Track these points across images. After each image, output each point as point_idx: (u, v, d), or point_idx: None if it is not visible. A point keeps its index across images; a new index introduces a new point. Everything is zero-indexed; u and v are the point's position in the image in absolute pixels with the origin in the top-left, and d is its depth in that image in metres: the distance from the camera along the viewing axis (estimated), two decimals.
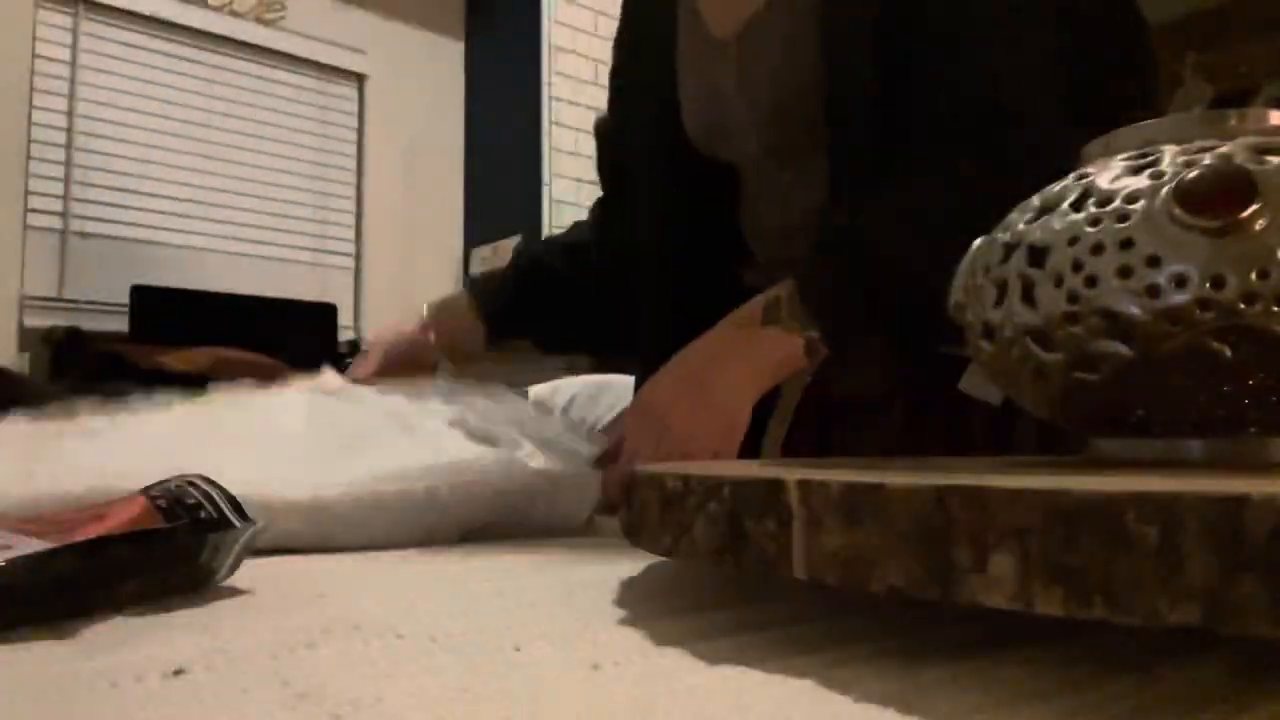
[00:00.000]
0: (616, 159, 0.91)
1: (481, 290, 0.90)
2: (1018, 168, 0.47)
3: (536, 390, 1.39)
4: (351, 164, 3.49)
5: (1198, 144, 0.33)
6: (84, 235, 2.89)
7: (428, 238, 3.57)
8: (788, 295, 0.60)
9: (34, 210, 2.82)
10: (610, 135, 0.93)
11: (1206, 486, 0.18)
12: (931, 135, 0.61)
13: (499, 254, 3.47)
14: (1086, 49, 0.64)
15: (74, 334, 2.61)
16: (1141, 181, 0.33)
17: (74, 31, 2.90)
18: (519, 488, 0.52)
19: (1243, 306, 0.30)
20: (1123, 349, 0.32)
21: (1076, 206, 0.34)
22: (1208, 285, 0.30)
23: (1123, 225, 0.32)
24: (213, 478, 0.34)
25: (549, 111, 3.34)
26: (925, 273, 0.57)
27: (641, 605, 0.31)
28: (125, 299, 2.72)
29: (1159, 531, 0.18)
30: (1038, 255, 0.35)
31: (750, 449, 0.74)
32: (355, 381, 0.68)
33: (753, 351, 0.61)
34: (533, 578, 0.36)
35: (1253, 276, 0.30)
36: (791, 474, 0.25)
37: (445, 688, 0.21)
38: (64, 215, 2.87)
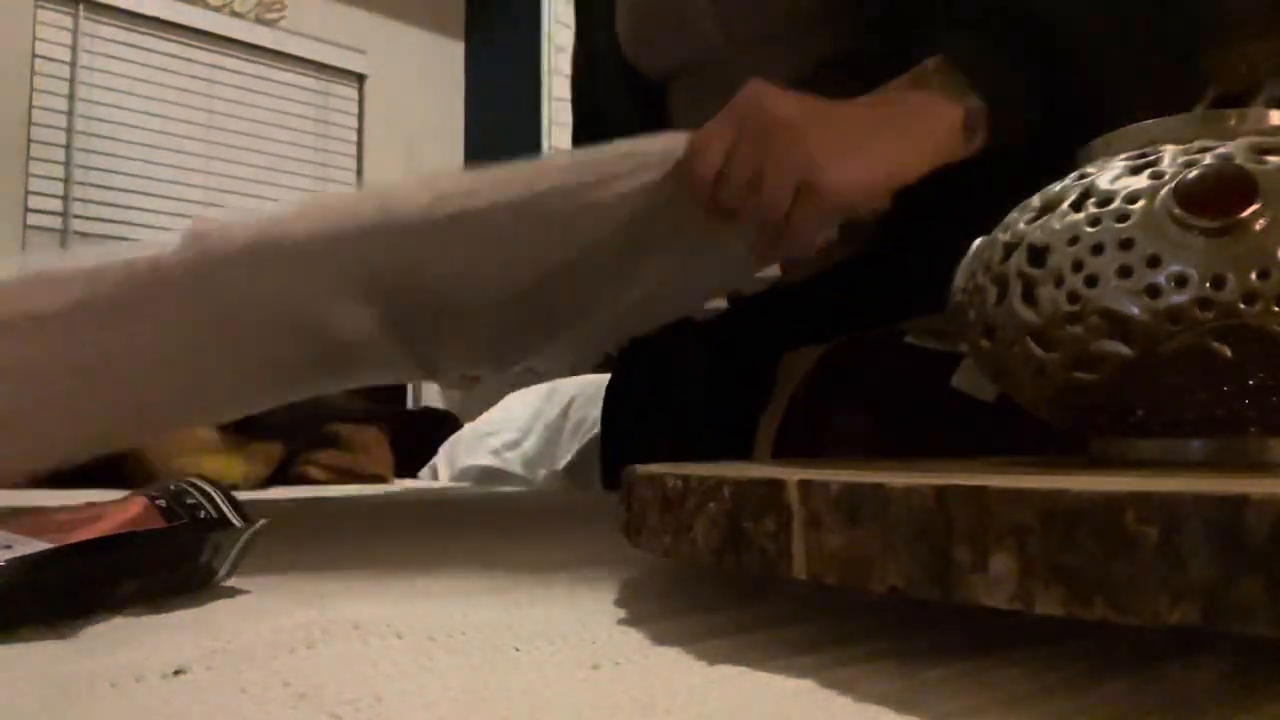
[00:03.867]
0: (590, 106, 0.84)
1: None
2: None
3: (535, 390, 1.39)
4: (351, 164, 3.49)
5: (1198, 144, 0.33)
6: (84, 235, 2.89)
7: None
8: (935, 67, 0.52)
9: (34, 210, 2.82)
10: (580, 82, 0.87)
11: (1206, 486, 0.18)
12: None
13: None
14: None
15: None
16: (1141, 181, 0.33)
17: (74, 31, 2.90)
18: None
19: (1243, 306, 0.30)
20: (1123, 349, 0.32)
21: (1076, 206, 0.34)
22: (1208, 285, 0.30)
23: (1123, 225, 0.32)
24: None
25: (549, 111, 3.34)
26: (1091, 45, 0.53)
27: (641, 605, 0.31)
28: None
29: (1159, 531, 0.18)
30: (1038, 255, 0.35)
31: (742, 445, 0.74)
32: None
33: (909, 118, 0.51)
34: (533, 578, 0.36)
35: (1253, 276, 0.30)
36: (791, 474, 0.25)
37: (445, 688, 0.21)
38: (64, 215, 2.87)
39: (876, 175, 0.50)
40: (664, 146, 0.50)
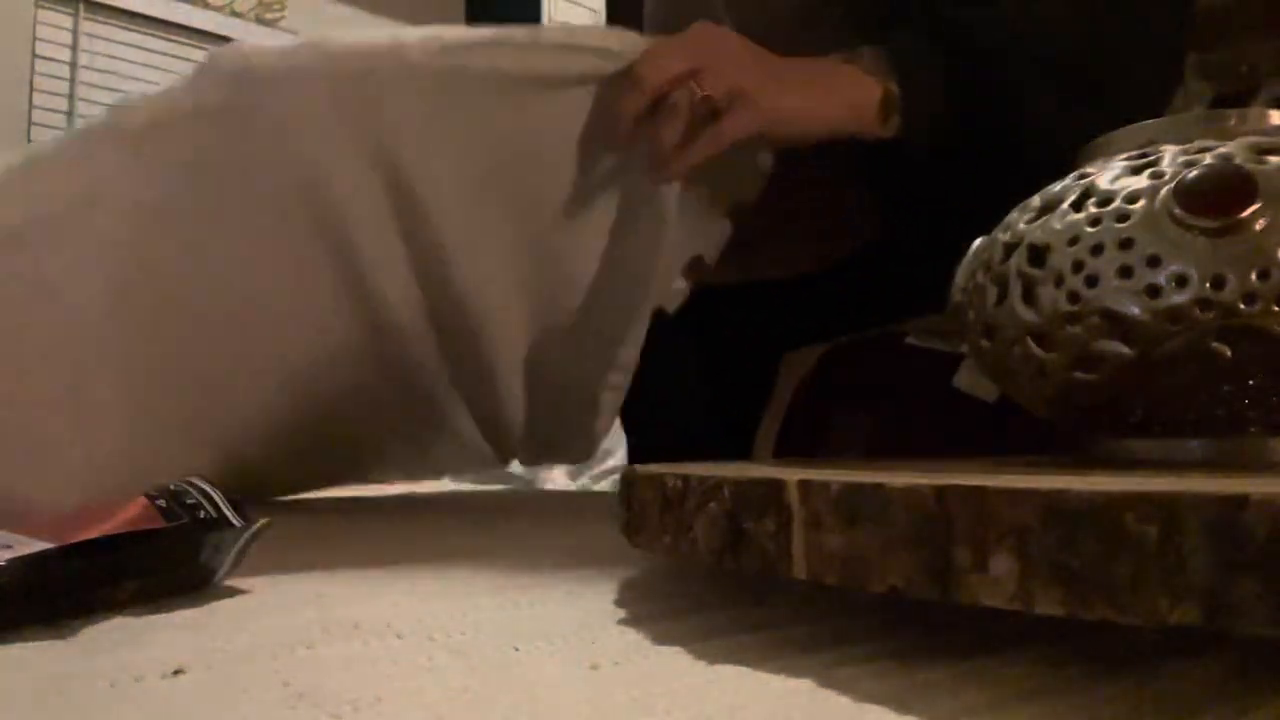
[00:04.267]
0: None
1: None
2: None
3: None
4: None
5: (1198, 144, 0.33)
6: None
7: None
8: (870, 53, 0.57)
9: None
10: None
11: (1206, 486, 0.18)
12: None
13: None
14: None
15: None
16: (1141, 181, 0.33)
17: (74, 31, 2.90)
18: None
19: (1243, 306, 0.30)
20: (1123, 349, 0.32)
21: (1076, 206, 0.34)
22: (1208, 285, 0.30)
23: (1123, 225, 0.32)
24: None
25: None
26: (1025, 82, 0.57)
27: (641, 605, 0.31)
28: None
29: (1159, 531, 0.18)
30: (1038, 255, 0.35)
31: (742, 445, 0.74)
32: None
33: (834, 80, 0.56)
34: (533, 578, 0.36)
35: (1253, 276, 0.30)
36: (791, 474, 0.25)
37: (445, 688, 0.21)
38: None
39: (804, 114, 0.55)
40: (630, 47, 0.53)
